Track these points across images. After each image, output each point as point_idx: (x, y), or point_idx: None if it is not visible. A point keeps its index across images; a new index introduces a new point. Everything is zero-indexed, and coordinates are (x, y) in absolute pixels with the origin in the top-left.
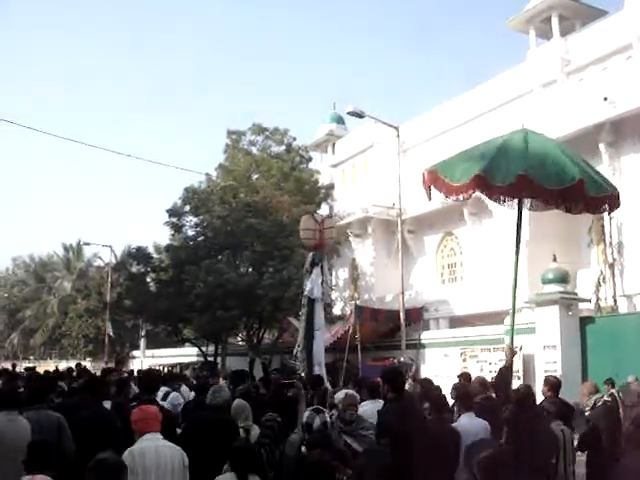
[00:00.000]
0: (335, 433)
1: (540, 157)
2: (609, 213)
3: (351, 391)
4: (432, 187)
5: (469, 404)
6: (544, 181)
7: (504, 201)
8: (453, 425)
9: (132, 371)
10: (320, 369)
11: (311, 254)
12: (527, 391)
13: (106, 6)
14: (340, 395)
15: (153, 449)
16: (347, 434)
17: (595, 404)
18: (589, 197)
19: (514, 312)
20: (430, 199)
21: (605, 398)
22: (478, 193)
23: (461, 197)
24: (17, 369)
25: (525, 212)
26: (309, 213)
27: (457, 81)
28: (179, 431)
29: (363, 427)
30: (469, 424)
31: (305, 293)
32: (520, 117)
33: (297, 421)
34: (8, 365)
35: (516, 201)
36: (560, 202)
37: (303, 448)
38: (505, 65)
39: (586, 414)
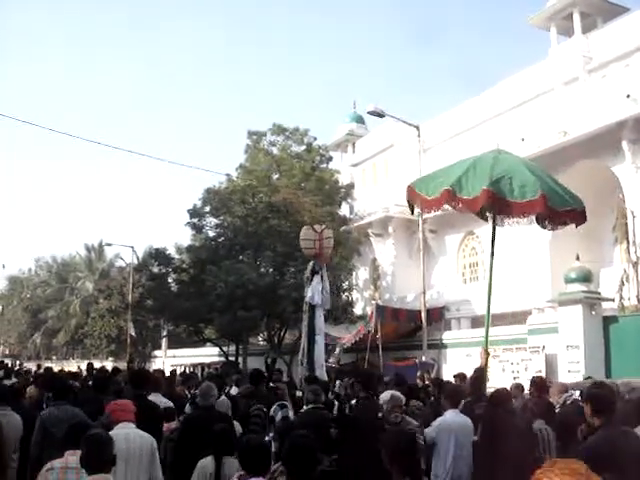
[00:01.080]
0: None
1: (505, 173)
2: (576, 226)
3: (397, 392)
4: (411, 200)
5: (456, 401)
6: (507, 194)
7: (477, 214)
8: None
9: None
10: (321, 371)
11: (311, 263)
12: (502, 391)
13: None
14: (385, 396)
15: (123, 435)
16: None
17: (565, 402)
18: (553, 211)
19: (488, 318)
20: (412, 213)
21: (575, 397)
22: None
23: (433, 210)
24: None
25: None
26: (331, 214)
27: (478, 79)
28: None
29: (409, 429)
30: (451, 419)
31: (306, 300)
32: (541, 115)
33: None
34: (31, 365)
35: (490, 215)
36: (524, 215)
37: None
38: (526, 63)
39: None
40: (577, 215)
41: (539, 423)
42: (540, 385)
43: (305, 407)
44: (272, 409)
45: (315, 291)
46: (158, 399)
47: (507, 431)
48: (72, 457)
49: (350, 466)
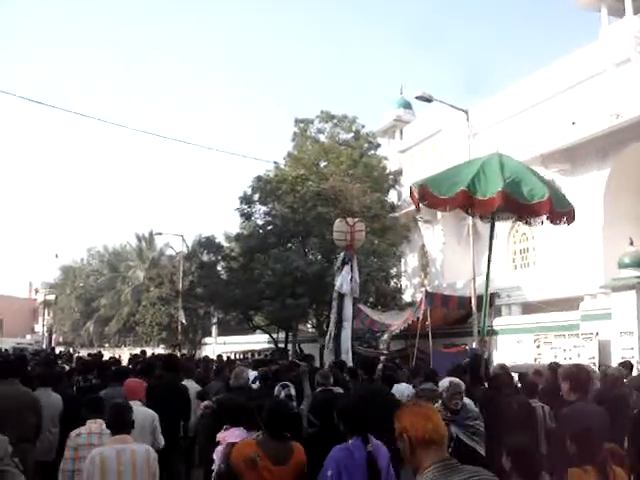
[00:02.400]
0: None
1: (515, 177)
2: (568, 225)
3: (456, 379)
4: (421, 199)
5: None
6: (519, 197)
7: (481, 216)
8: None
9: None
10: (347, 357)
11: (342, 254)
12: (501, 375)
13: None
14: (444, 384)
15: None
16: (454, 424)
17: None
18: (555, 211)
19: (485, 306)
20: (418, 210)
21: None
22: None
23: (448, 209)
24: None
25: (601, 189)
26: (380, 201)
27: (528, 62)
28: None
29: (470, 417)
30: None
31: (336, 288)
32: (592, 98)
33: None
34: (84, 353)
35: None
36: (532, 215)
37: None
38: (577, 45)
39: None
40: (571, 215)
41: (532, 402)
42: (554, 370)
43: (317, 389)
44: (275, 389)
45: (344, 280)
46: (190, 384)
47: (504, 412)
48: (94, 425)
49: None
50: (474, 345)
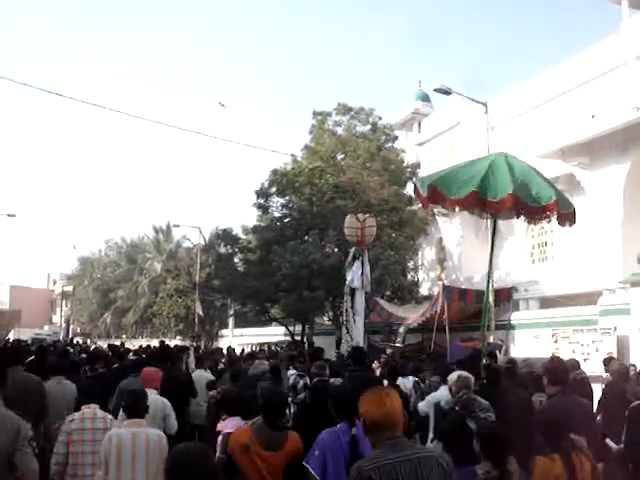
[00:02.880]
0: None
1: (523, 179)
2: (570, 226)
3: (465, 373)
4: (431, 198)
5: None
6: (528, 199)
7: (490, 213)
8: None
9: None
10: None
11: (353, 249)
12: (496, 369)
13: None
14: (453, 377)
15: None
16: (469, 418)
17: (574, 378)
18: (561, 213)
19: (487, 304)
20: (425, 207)
21: (583, 375)
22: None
23: (458, 209)
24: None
25: (621, 183)
26: (398, 194)
27: (548, 54)
28: None
29: (482, 409)
30: (440, 395)
31: (347, 283)
32: (613, 91)
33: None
34: (102, 343)
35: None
36: (540, 217)
37: None
38: (597, 37)
39: None
40: (574, 215)
41: (537, 395)
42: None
43: (314, 380)
44: (292, 378)
45: (355, 275)
46: (201, 373)
47: (497, 404)
48: (87, 410)
49: None
50: (491, 339)
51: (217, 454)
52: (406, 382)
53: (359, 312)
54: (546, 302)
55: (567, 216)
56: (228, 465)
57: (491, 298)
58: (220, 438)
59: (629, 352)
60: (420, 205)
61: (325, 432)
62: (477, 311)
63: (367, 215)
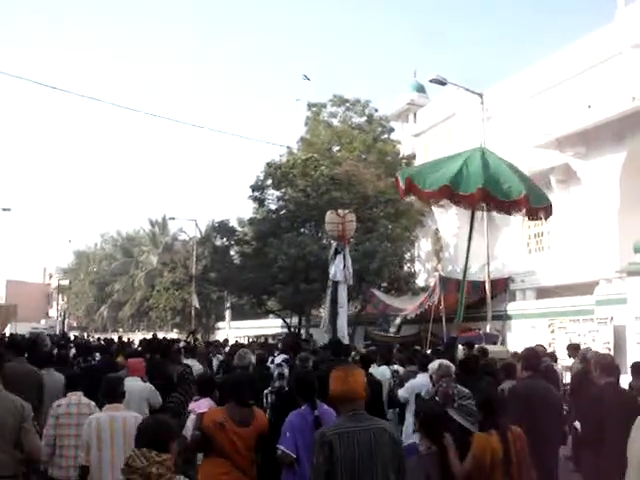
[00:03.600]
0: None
1: (495, 174)
2: (545, 220)
3: (445, 361)
4: (407, 190)
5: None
6: (498, 194)
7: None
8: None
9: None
10: (345, 340)
11: (335, 244)
12: (470, 359)
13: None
14: (434, 365)
15: (129, 385)
16: (450, 408)
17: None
18: (531, 208)
19: (463, 293)
20: (403, 198)
21: (548, 363)
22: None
23: (431, 201)
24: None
25: (617, 173)
26: (394, 186)
27: (543, 44)
28: None
29: (463, 397)
30: (419, 382)
31: (330, 277)
32: (609, 80)
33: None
34: (98, 337)
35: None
36: (509, 211)
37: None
38: (593, 26)
39: None
40: (548, 210)
41: (507, 382)
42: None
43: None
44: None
45: (337, 269)
46: (193, 364)
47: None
48: (73, 396)
49: None
50: (488, 329)
51: (190, 431)
52: (383, 371)
53: (343, 304)
54: (543, 292)
55: (538, 211)
56: (201, 441)
57: (488, 289)
58: (193, 417)
59: (625, 342)
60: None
61: (292, 414)
62: (474, 302)
63: (347, 211)
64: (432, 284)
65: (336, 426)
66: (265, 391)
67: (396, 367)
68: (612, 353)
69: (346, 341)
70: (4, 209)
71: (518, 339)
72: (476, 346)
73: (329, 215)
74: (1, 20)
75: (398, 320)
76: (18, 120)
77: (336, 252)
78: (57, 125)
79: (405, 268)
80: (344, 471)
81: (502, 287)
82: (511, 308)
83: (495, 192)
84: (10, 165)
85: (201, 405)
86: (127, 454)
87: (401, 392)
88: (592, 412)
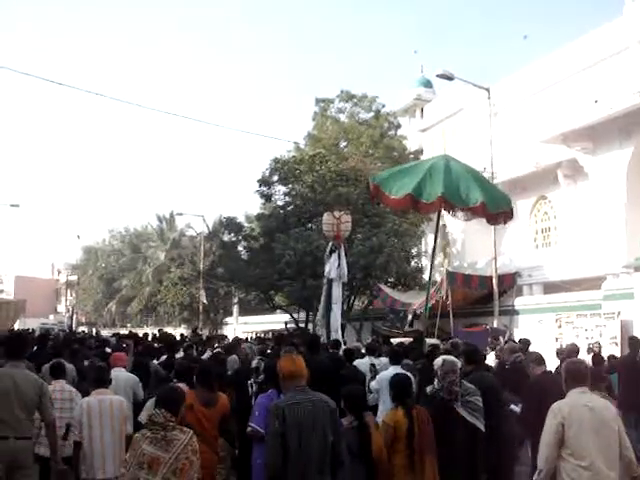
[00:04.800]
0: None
1: (454, 182)
2: (504, 224)
3: (450, 357)
4: (374, 196)
5: (399, 360)
6: (456, 201)
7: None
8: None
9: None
10: (337, 335)
11: (330, 243)
12: (434, 350)
13: None
14: (438, 361)
15: (115, 374)
16: (456, 403)
17: (514, 361)
18: (489, 213)
19: (429, 290)
20: (372, 203)
21: (521, 357)
22: None
23: (396, 207)
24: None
25: (624, 168)
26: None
27: (550, 39)
28: None
29: (469, 392)
30: (389, 374)
31: (325, 274)
32: (616, 75)
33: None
34: (106, 332)
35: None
36: (468, 215)
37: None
38: (600, 21)
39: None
40: (507, 215)
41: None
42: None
43: None
44: (255, 361)
45: (332, 267)
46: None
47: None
48: (57, 384)
49: None
50: (494, 324)
51: None
52: (364, 363)
53: (337, 300)
54: (550, 287)
55: (497, 216)
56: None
57: (495, 284)
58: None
59: None
60: None
61: (260, 397)
62: (481, 297)
63: (342, 212)
64: (439, 279)
65: (287, 398)
66: (249, 381)
67: (378, 360)
68: (619, 348)
69: (339, 335)
70: (13, 205)
71: (525, 334)
72: (450, 341)
73: (326, 216)
74: (7, 15)
75: (409, 316)
76: (26, 116)
77: (331, 251)
78: (65, 121)
79: (412, 263)
80: (293, 433)
81: (509, 282)
82: (518, 303)
83: (454, 200)
84: (18, 161)
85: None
86: (114, 431)
87: (372, 383)
88: (530, 398)
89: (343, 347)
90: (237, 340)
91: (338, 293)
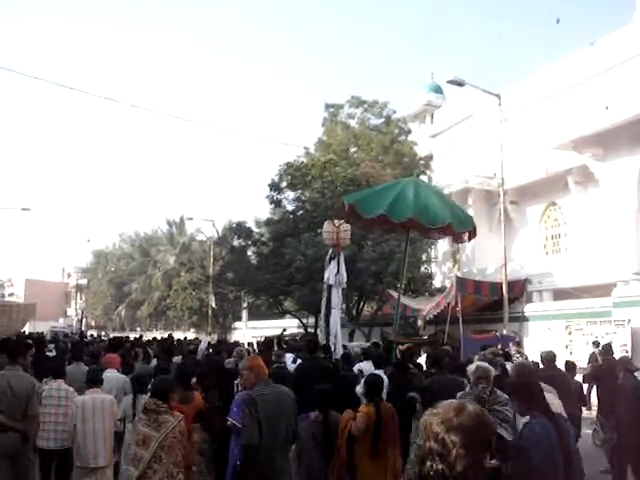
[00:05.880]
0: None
1: (424, 203)
2: (468, 241)
3: (484, 363)
4: (349, 215)
5: (382, 365)
6: (425, 222)
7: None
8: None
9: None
10: (335, 339)
11: (330, 251)
12: (406, 351)
13: None
14: (472, 367)
15: (108, 375)
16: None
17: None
18: (455, 232)
19: (398, 301)
20: (347, 222)
21: (502, 362)
22: None
23: (370, 226)
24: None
25: (635, 174)
26: None
27: (561, 45)
28: None
29: (499, 402)
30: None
31: (324, 280)
32: (626, 82)
33: None
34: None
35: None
36: (436, 235)
37: None
38: (611, 28)
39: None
40: (471, 233)
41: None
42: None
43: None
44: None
45: (331, 274)
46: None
47: (402, 383)
48: (54, 383)
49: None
50: (504, 331)
51: None
52: (363, 366)
53: (336, 306)
54: (560, 294)
55: (462, 234)
56: None
57: (505, 291)
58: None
59: None
60: None
61: (238, 395)
62: (490, 303)
63: (342, 221)
64: (449, 285)
65: (257, 390)
66: (235, 382)
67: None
68: (630, 355)
69: (338, 340)
70: (23, 209)
71: (535, 341)
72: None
73: (326, 225)
74: (18, 21)
75: (420, 322)
76: (37, 121)
77: (330, 258)
78: (76, 125)
79: (422, 269)
80: (262, 419)
81: (519, 289)
82: (528, 310)
83: (422, 220)
84: (30, 165)
85: None
86: (105, 425)
87: (357, 388)
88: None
89: (342, 352)
90: (235, 344)
91: (337, 299)
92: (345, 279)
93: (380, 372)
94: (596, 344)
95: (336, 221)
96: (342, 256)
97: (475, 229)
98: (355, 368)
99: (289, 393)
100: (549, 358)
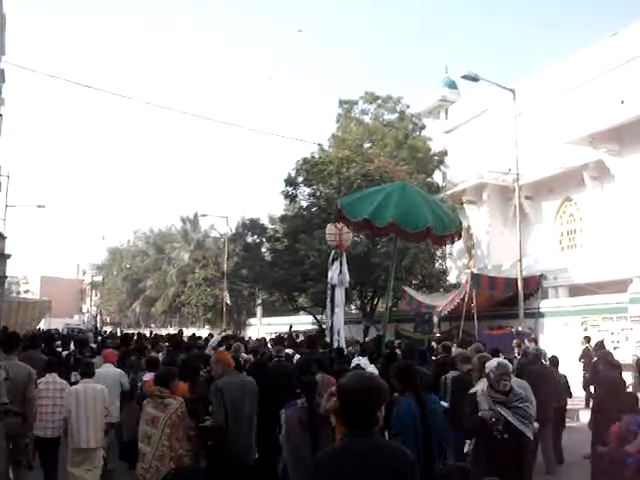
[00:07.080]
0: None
1: (405, 209)
2: (451, 245)
3: (504, 360)
4: (338, 218)
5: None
6: (405, 226)
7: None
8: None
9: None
10: (339, 337)
11: (333, 252)
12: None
13: None
14: (492, 364)
15: (102, 369)
16: (501, 405)
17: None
18: (435, 236)
19: (388, 296)
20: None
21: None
22: None
23: (356, 230)
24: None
25: None
26: (425, 183)
27: (576, 39)
28: None
29: (519, 399)
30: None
31: (328, 280)
32: None
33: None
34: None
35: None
36: (417, 238)
37: None
38: (626, 22)
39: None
40: (455, 236)
41: (451, 373)
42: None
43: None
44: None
45: (334, 274)
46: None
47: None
48: (50, 376)
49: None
50: (520, 328)
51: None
52: (361, 361)
53: (339, 304)
54: (575, 290)
55: (444, 238)
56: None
57: (520, 287)
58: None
59: None
60: (448, 192)
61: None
62: (505, 299)
63: (342, 225)
64: (464, 281)
65: (225, 380)
66: None
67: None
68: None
69: (341, 337)
70: (39, 206)
71: (551, 337)
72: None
73: (329, 227)
74: (34, 20)
75: (435, 319)
76: (52, 118)
77: (334, 259)
78: (91, 123)
79: (437, 265)
80: (228, 404)
81: (535, 285)
82: (544, 306)
83: (403, 225)
84: (45, 163)
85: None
86: (96, 411)
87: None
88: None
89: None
90: (240, 339)
91: (340, 297)
92: (348, 279)
93: (372, 367)
94: (587, 339)
95: (338, 224)
96: (344, 257)
97: (460, 232)
98: (353, 362)
99: (252, 381)
100: (537, 355)
